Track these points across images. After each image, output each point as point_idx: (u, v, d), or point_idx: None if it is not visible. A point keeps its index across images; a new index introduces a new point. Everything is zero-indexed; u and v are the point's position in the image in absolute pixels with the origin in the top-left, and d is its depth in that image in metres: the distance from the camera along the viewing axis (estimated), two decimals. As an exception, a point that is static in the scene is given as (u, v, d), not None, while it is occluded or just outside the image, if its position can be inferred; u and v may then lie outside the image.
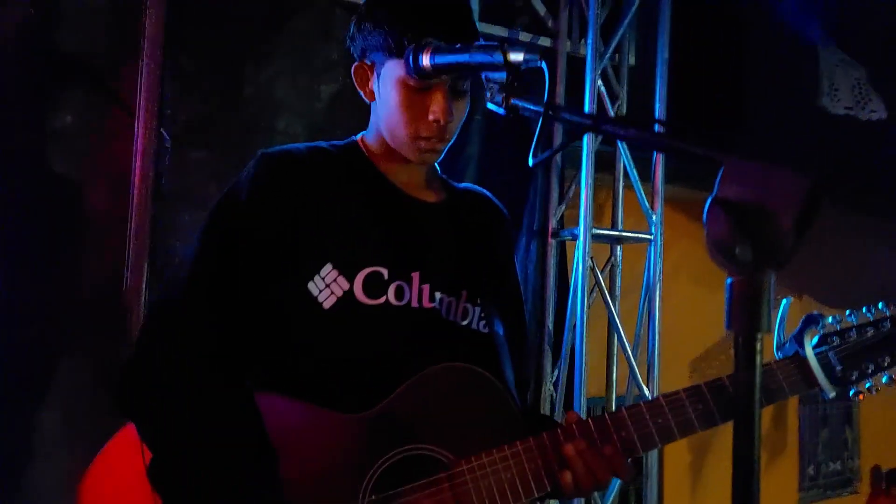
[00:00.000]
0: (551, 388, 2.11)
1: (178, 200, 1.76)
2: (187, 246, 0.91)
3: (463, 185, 1.08)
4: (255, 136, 1.86)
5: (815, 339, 0.93)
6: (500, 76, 0.76)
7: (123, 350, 1.64)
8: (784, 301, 0.92)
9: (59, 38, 1.66)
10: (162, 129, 1.75)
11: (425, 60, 0.83)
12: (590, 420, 0.89)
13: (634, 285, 2.31)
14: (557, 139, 2.10)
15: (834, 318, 0.94)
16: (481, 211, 1.05)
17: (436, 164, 1.02)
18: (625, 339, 2.10)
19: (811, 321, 0.92)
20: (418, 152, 0.93)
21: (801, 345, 0.92)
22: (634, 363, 2.13)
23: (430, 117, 0.90)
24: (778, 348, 0.94)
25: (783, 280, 2.77)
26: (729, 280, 0.49)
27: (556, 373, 2.11)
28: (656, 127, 0.66)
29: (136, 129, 1.71)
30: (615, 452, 0.88)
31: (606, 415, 0.90)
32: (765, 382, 0.91)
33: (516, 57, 0.75)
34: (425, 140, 0.92)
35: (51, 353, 1.62)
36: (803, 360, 0.93)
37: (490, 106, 0.78)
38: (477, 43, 0.82)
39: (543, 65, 0.75)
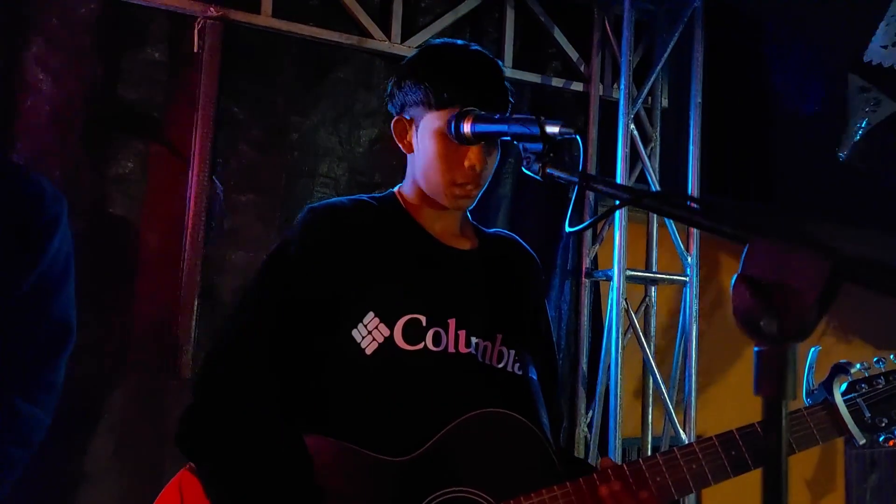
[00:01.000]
0: (585, 429, 2.10)
1: (227, 241, 1.86)
2: (240, 297, 0.98)
3: (493, 230, 1.13)
4: (299, 180, 1.96)
5: (844, 386, 0.94)
6: (537, 147, 0.81)
7: (173, 383, 1.72)
8: (812, 350, 0.94)
9: (122, 90, 1.79)
10: (213, 176, 1.85)
11: (466, 128, 0.91)
12: (624, 465, 0.91)
13: (669, 323, 2.30)
14: (592, 161, 2.14)
15: (862, 364, 0.94)
16: (512, 256, 1.10)
17: (467, 212, 1.07)
18: (660, 381, 2.10)
19: (839, 369, 0.94)
20: (454, 198, 0.99)
21: (831, 392, 0.93)
22: (671, 404, 2.11)
23: (467, 164, 0.96)
24: (807, 395, 0.95)
25: (830, 322, 2.71)
26: (756, 349, 0.52)
27: (590, 414, 2.11)
28: (686, 200, 0.69)
29: (189, 175, 1.82)
30: (650, 497, 0.90)
31: (641, 461, 0.92)
32: (794, 429, 0.92)
33: (552, 130, 0.81)
34: (460, 187, 0.98)
35: (106, 384, 1.71)
36: (833, 406, 0.94)
37: (526, 172, 0.83)
38: (516, 115, 0.88)
39: (578, 138, 0.80)
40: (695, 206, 0.65)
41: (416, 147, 1.00)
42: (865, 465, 3.09)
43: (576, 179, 0.76)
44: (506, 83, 1.00)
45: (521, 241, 1.12)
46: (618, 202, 0.73)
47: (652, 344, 2.17)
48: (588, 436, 2.09)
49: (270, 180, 1.93)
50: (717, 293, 2.71)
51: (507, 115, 0.92)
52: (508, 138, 0.86)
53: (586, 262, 2.17)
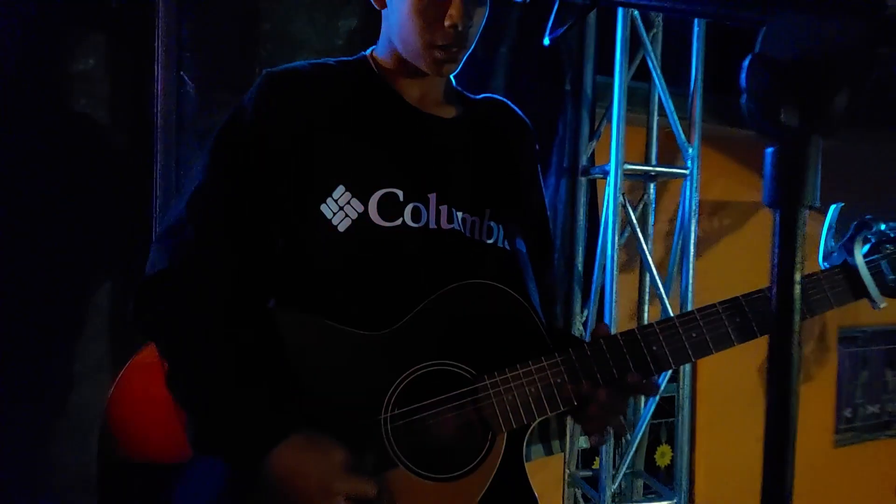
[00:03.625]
0: (581, 328, 2.08)
1: (201, 142, 1.76)
2: (195, 166, 0.90)
3: (481, 96, 1.04)
4: (275, 75, 1.84)
5: (867, 248, 0.86)
6: None
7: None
8: (833, 207, 0.86)
9: (76, -20, 1.64)
10: (181, 73, 1.73)
11: None
12: (618, 335, 0.86)
13: (669, 229, 2.24)
14: (590, 52, 2.01)
15: (888, 224, 0.87)
16: (502, 122, 1.02)
17: (451, 77, 0.97)
18: (657, 279, 2.05)
19: (863, 226, 0.86)
20: (434, 62, 0.90)
21: (851, 252, 0.86)
22: (668, 303, 2.08)
23: (447, 22, 0.86)
24: (825, 258, 0.88)
25: (828, 186, 2.63)
26: (769, 149, 0.44)
27: (585, 313, 2.09)
28: None
29: (156, 72, 1.70)
30: (644, 365, 0.87)
31: (637, 330, 0.88)
32: (808, 291, 0.86)
33: None
34: (441, 49, 0.88)
35: (88, 288, 1.67)
36: (852, 268, 0.88)
37: None
38: None
39: None
40: None
41: (390, 2, 0.90)
42: (857, 363, 3.12)
43: None
44: None
45: (512, 105, 1.04)
46: None
47: (650, 241, 2.11)
48: (583, 334, 2.07)
49: (243, 76, 1.81)
50: (718, 195, 2.63)
51: None
52: None
53: (583, 160, 2.09)
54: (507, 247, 0.95)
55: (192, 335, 0.83)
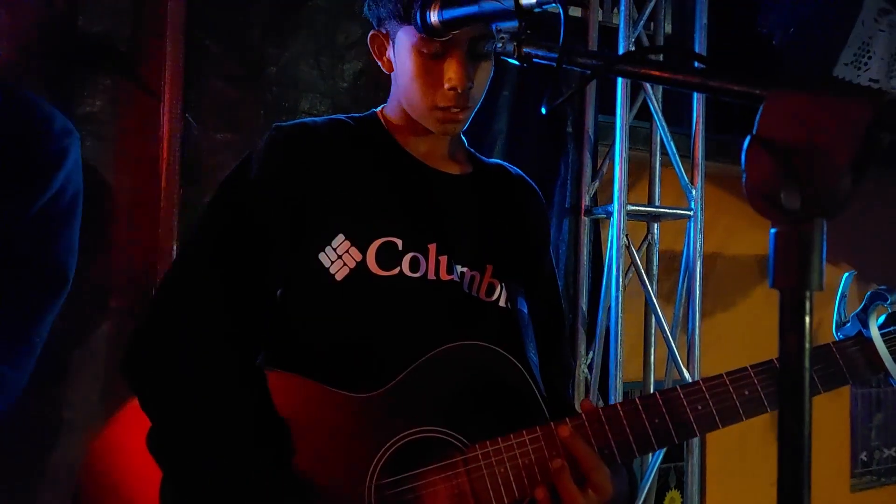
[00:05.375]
0: (586, 370, 2.07)
1: (204, 183, 1.77)
2: (197, 217, 0.91)
3: (493, 160, 1.05)
4: (279, 117, 1.86)
5: (883, 318, 0.84)
6: (513, 25, 0.71)
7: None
8: (846, 275, 0.85)
9: (84, 23, 1.68)
10: (187, 114, 1.75)
11: (433, 17, 0.81)
12: (618, 405, 0.84)
13: (673, 266, 2.23)
14: (591, 94, 2.03)
15: None
16: (512, 188, 1.03)
17: (462, 137, 0.98)
18: (663, 321, 2.04)
19: (877, 297, 0.84)
20: (438, 123, 0.91)
21: (865, 324, 0.84)
22: (674, 345, 2.06)
23: (447, 85, 0.88)
24: (838, 328, 0.86)
25: (838, 254, 2.64)
26: (773, 230, 0.44)
27: (590, 355, 2.07)
28: (697, 64, 0.60)
29: (161, 114, 1.73)
30: (625, 443, 0.82)
31: (638, 400, 0.85)
32: (823, 366, 0.83)
33: (528, 1, 0.72)
34: (443, 110, 0.90)
35: (88, 331, 1.67)
36: (867, 341, 0.85)
37: (505, 59, 0.73)
38: None
39: (559, 7, 0.70)
40: (696, 64, 0.56)
41: (395, 65, 0.93)
42: (871, 405, 3.07)
43: (555, 55, 0.67)
44: None
45: (525, 175, 1.05)
46: (600, 67, 0.63)
47: (654, 283, 2.11)
48: (588, 377, 2.06)
49: (248, 118, 1.84)
50: (722, 235, 2.63)
51: None
52: (483, 20, 0.77)
53: (585, 200, 2.10)
54: (509, 306, 0.93)
55: (181, 393, 0.81)
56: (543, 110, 0.70)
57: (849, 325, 0.86)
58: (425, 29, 0.82)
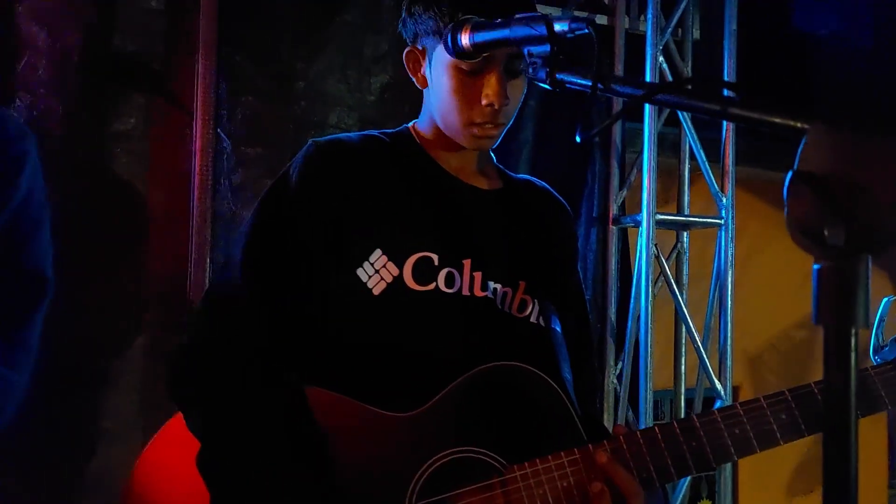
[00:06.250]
0: (615, 380, 2.05)
1: (235, 197, 1.81)
2: (238, 234, 0.93)
3: (520, 175, 1.06)
4: (308, 131, 1.90)
5: None
6: (545, 49, 0.72)
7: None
8: (885, 300, 0.84)
9: (119, 41, 1.73)
10: (218, 129, 1.79)
11: (464, 40, 0.81)
12: (655, 428, 0.84)
13: (702, 273, 2.21)
14: (618, 101, 2.02)
15: None
16: (540, 203, 1.04)
17: (491, 153, 0.99)
18: (693, 330, 2.02)
19: None
20: (473, 139, 0.92)
21: None
22: (705, 354, 2.04)
23: (484, 101, 0.88)
24: (875, 352, 0.85)
25: (882, 273, 2.58)
26: (816, 266, 0.44)
27: (619, 365, 2.05)
28: (725, 92, 0.60)
29: (194, 129, 1.77)
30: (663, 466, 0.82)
31: (675, 423, 0.85)
32: (860, 391, 0.82)
33: (561, 27, 0.72)
34: (479, 126, 0.91)
35: (124, 343, 1.71)
36: None
37: (537, 83, 0.74)
38: (518, 15, 0.78)
39: (591, 32, 0.70)
40: (733, 95, 0.56)
41: (430, 82, 0.94)
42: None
43: (588, 82, 0.67)
44: (533, 6, 0.92)
45: (552, 190, 1.06)
46: (638, 97, 0.63)
47: (684, 292, 2.09)
48: (618, 388, 2.05)
49: (277, 132, 1.87)
50: (753, 241, 2.59)
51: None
52: (514, 45, 0.77)
53: (613, 209, 2.08)
54: (542, 323, 0.94)
55: (226, 414, 0.83)
56: (578, 139, 0.71)
57: (887, 349, 0.84)
58: (456, 51, 0.82)
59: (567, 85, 0.70)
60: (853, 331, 0.42)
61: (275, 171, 1.85)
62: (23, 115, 1.65)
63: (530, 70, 0.74)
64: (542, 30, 0.72)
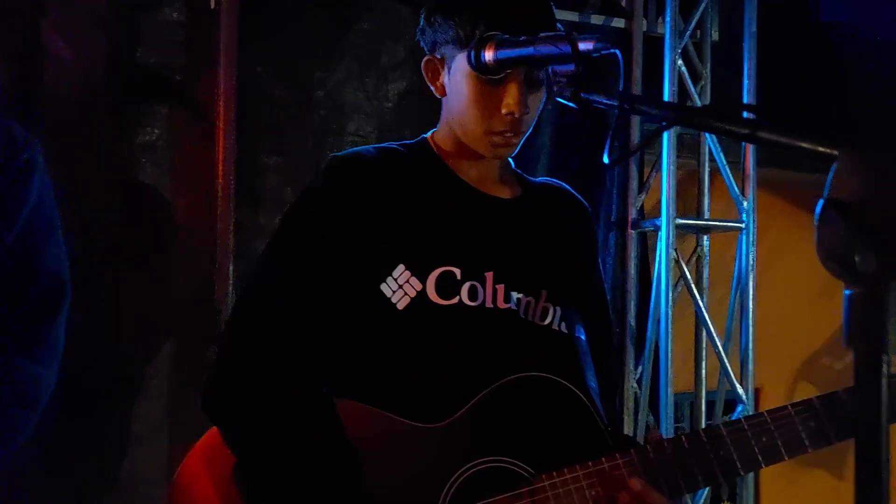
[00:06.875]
0: (635, 385, 2.05)
1: (257, 205, 1.84)
2: (262, 252, 0.95)
3: (540, 179, 1.07)
4: (327, 140, 1.92)
5: None
6: (569, 68, 0.72)
7: (213, 346, 1.75)
8: None
9: (142, 54, 1.77)
10: (239, 139, 1.82)
11: (488, 56, 0.82)
12: (682, 437, 0.85)
13: (720, 275, 2.20)
14: (635, 130, 2.02)
15: None
16: (561, 207, 1.04)
17: (509, 158, 1.00)
18: (714, 334, 2.02)
19: None
20: (492, 147, 0.93)
21: None
22: (726, 358, 2.03)
23: (504, 111, 0.89)
24: None
25: None
26: (847, 292, 0.45)
27: (639, 369, 2.05)
28: (745, 114, 0.60)
29: (216, 139, 1.80)
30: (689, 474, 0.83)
31: (703, 432, 0.86)
32: (891, 401, 0.82)
33: (586, 46, 0.71)
34: (499, 135, 0.91)
35: (151, 350, 1.75)
36: None
37: (559, 100, 0.75)
38: (543, 34, 0.79)
39: (618, 53, 0.71)
40: (764, 121, 0.56)
41: (449, 90, 0.94)
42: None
43: (615, 103, 0.68)
44: (552, 14, 0.92)
45: (572, 190, 1.06)
46: (664, 123, 0.64)
47: (705, 296, 2.08)
48: (638, 392, 2.04)
49: (297, 141, 1.90)
50: (774, 242, 2.57)
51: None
52: (538, 63, 0.78)
53: (632, 213, 2.08)
54: (565, 330, 0.95)
55: (261, 428, 0.85)
56: (606, 160, 0.71)
57: None
58: (478, 66, 0.82)
59: (593, 104, 0.71)
60: (884, 358, 0.43)
61: (295, 180, 1.90)
62: (49, 129, 1.69)
63: (555, 89, 0.75)
64: (567, 49, 0.72)
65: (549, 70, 0.76)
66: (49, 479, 1.56)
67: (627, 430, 1.96)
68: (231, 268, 1.78)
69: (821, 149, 0.50)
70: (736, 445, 0.83)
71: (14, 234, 1.11)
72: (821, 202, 0.45)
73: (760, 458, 0.83)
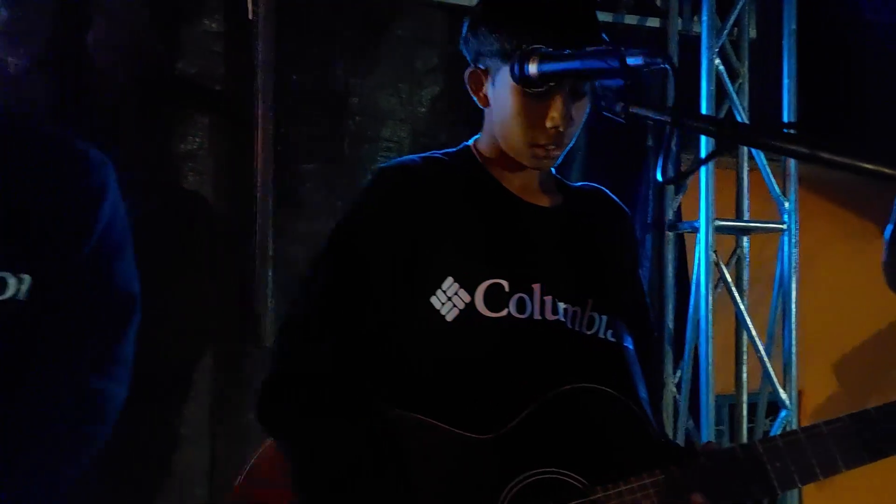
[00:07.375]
0: (674, 388, 2.03)
1: (295, 211, 1.88)
2: (311, 265, 0.97)
3: (578, 184, 1.06)
4: (363, 146, 1.94)
5: None
6: (616, 82, 0.72)
7: (254, 350, 1.78)
8: None
9: (182, 65, 1.81)
10: (277, 147, 1.86)
11: (532, 69, 0.81)
12: (736, 448, 0.84)
13: (760, 274, 2.16)
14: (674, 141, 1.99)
15: None
16: (601, 212, 1.04)
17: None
18: (755, 336, 1.98)
19: None
20: (535, 159, 0.93)
21: None
22: (767, 361, 1.99)
23: (549, 124, 0.89)
24: None
25: None
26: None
27: (678, 373, 2.03)
28: (786, 130, 0.59)
29: (255, 146, 1.84)
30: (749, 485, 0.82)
31: (759, 443, 0.85)
32: None
33: (635, 61, 0.71)
34: (542, 147, 0.91)
35: (192, 353, 1.79)
36: None
37: (606, 114, 0.74)
38: (590, 48, 0.78)
39: (668, 67, 0.70)
40: (822, 140, 0.55)
41: (493, 102, 0.94)
42: None
43: (667, 118, 0.67)
44: (599, 27, 0.92)
45: (611, 194, 1.05)
46: (721, 146, 0.63)
47: (745, 298, 2.05)
48: (677, 396, 2.02)
49: (333, 148, 1.93)
50: (815, 241, 2.52)
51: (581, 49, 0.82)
52: (584, 77, 0.77)
53: (669, 214, 2.06)
54: (613, 339, 0.95)
55: (315, 441, 0.87)
56: (659, 177, 0.71)
57: None
58: (522, 79, 0.82)
59: (642, 120, 0.71)
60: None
61: (332, 186, 1.93)
62: (93, 139, 1.74)
63: (602, 102, 0.74)
64: (615, 63, 0.71)
65: (597, 85, 0.76)
66: (100, 478, 1.60)
67: (667, 434, 1.94)
68: (270, 274, 1.82)
69: (887, 171, 0.50)
70: (793, 457, 0.82)
71: (89, 248, 1.14)
72: (889, 227, 0.45)
73: (818, 470, 0.82)
